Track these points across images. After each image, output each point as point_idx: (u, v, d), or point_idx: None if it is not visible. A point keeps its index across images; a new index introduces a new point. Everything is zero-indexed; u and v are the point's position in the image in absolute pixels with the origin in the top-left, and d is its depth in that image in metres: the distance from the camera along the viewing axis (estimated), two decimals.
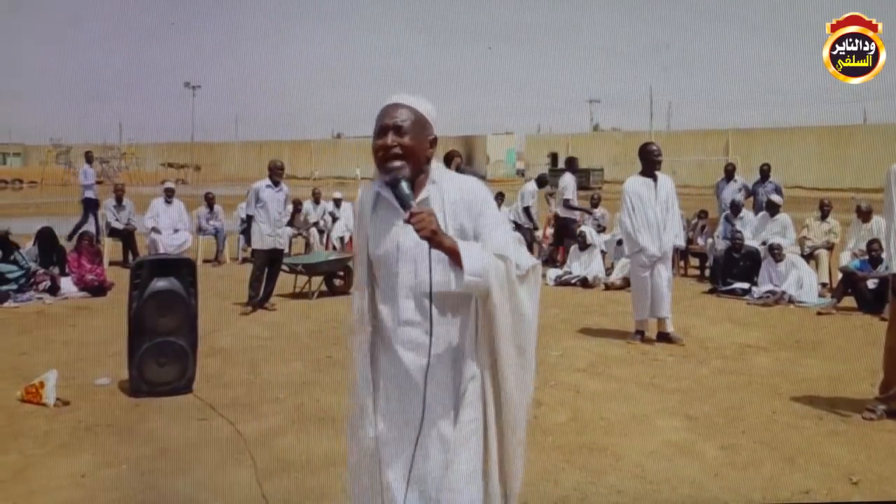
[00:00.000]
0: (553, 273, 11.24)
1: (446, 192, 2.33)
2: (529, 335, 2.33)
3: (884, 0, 6.65)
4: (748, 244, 10.58)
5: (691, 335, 7.70)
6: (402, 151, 2.26)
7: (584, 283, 10.94)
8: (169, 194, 12.71)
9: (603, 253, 11.61)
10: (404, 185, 2.22)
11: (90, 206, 14.65)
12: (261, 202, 9.08)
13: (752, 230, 11.12)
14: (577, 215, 12.10)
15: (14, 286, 9.35)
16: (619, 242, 11.11)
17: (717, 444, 4.77)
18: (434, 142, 2.36)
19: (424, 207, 2.19)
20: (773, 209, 11.05)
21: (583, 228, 11.69)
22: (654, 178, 7.39)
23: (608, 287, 10.72)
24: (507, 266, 2.21)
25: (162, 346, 5.63)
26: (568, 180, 12.02)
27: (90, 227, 13.76)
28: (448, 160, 8.73)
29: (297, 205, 13.25)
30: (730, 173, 12.73)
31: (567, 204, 11.94)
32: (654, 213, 7.33)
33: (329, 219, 14.43)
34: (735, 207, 11.62)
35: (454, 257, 2.16)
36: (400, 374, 2.34)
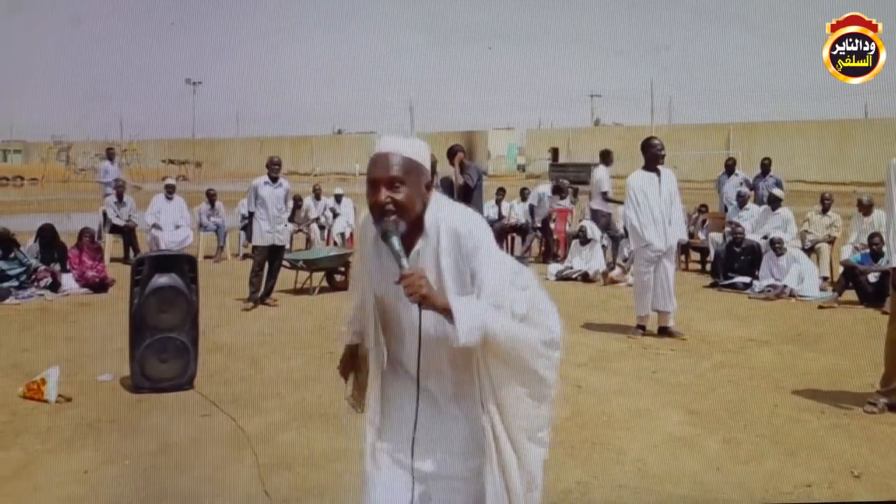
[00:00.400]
0: (554, 268, 11.25)
1: (441, 238, 2.25)
2: (534, 377, 2.32)
3: (884, 0, 6.64)
4: (749, 238, 10.57)
5: (692, 330, 7.69)
6: (396, 207, 2.19)
7: (585, 277, 10.93)
8: (170, 191, 12.71)
9: (604, 247, 11.60)
10: (395, 241, 2.16)
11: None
12: (260, 199, 9.08)
13: (753, 224, 11.11)
14: (611, 208, 12.00)
15: (15, 283, 9.35)
16: (621, 237, 11.13)
17: (719, 439, 4.78)
18: (430, 185, 2.29)
19: (415, 269, 2.13)
20: (774, 203, 11.03)
21: (584, 223, 11.68)
22: (658, 173, 7.38)
23: (609, 281, 10.73)
24: (501, 317, 2.19)
25: (163, 342, 5.63)
26: (602, 173, 11.91)
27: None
28: (451, 155, 8.72)
29: (298, 201, 13.24)
30: (730, 168, 12.73)
31: (605, 197, 11.85)
32: (658, 208, 7.33)
33: (330, 215, 14.42)
34: (741, 199, 11.63)
35: (447, 317, 2.13)
36: (395, 399, 2.39)
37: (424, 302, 2.11)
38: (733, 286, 10.15)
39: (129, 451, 4.53)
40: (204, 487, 4.07)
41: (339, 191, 14.96)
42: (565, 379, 5.96)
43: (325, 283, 10.27)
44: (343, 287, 10.04)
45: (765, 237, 10.48)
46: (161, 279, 5.67)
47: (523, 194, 13.74)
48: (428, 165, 2.29)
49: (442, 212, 2.27)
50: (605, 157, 12.16)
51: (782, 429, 4.97)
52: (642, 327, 7.59)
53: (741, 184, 12.26)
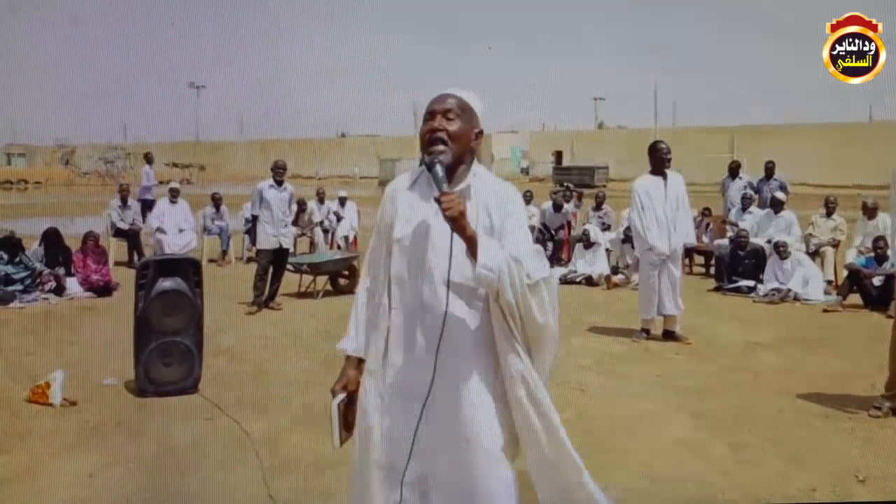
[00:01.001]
0: (557, 271, 11.23)
1: (482, 187, 2.39)
2: (540, 340, 2.37)
3: (884, 0, 6.57)
4: (753, 241, 10.56)
5: (697, 333, 7.68)
6: (447, 136, 2.33)
7: (589, 281, 10.93)
8: (174, 194, 12.70)
9: (608, 251, 11.59)
10: (439, 169, 2.27)
11: (147, 207, 14.09)
12: (265, 202, 9.10)
13: (756, 227, 11.09)
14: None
15: (20, 287, 9.37)
16: (625, 240, 11.12)
17: (724, 442, 4.77)
18: (480, 134, 2.43)
19: (455, 193, 2.24)
20: (776, 206, 11.01)
21: (587, 226, 11.68)
22: (664, 177, 7.38)
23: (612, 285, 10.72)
24: (518, 270, 2.26)
25: (168, 345, 5.63)
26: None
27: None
28: None
29: (302, 204, 13.25)
30: (734, 170, 12.70)
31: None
32: (663, 212, 7.32)
33: (334, 218, 14.40)
34: (746, 202, 11.61)
35: (472, 247, 2.23)
36: (410, 351, 2.37)
37: (458, 221, 2.19)
38: (738, 290, 10.14)
39: (133, 455, 4.53)
40: (208, 491, 4.07)
41: (342, 193, 14.93)
42: (569, 382, 5.99)
43: (329, 287, 10.27)
44: (347, 290, 10.03)
45: (769, 241, 10.46)
46: (165, 283, 5.68)
47: (526, 197, 13.66)
48: (480, 117, 2.43)
49: (484, 173, 2.43)
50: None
51: (787, 432, 4.97)
52: (647, 331, 7.58)
53: (745, 187, 12.23)
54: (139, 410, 5.39)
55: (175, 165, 47.70)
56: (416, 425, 2.30)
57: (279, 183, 9.20)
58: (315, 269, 10.10)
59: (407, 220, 2.37)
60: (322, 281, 10.20)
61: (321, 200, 14.49)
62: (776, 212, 10.96)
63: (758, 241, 10.66)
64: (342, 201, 14.66)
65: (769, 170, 12.33)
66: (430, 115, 2.36)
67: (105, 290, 9.88)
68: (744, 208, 11.62)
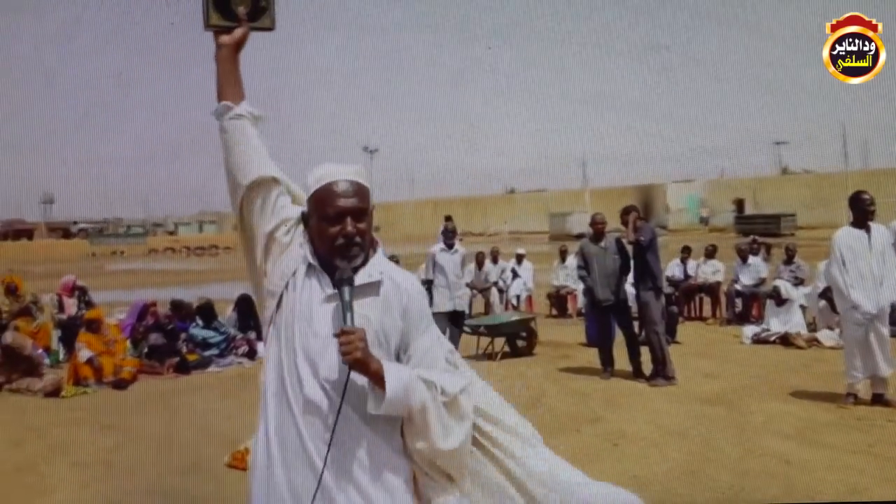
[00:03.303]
0: (749, 330, 10.63)
1: (387, 282, 2.15)
2: (451, 462, 2.14)
3: (884, 0, 6.41)
4: None
5: None
6: (362, 240, 2.11)
7: (784, 340, 10.23)
8: None
9: (803, 308, 10.84)
10: (346, 291, 2.04)
11: None
12: (438, 266, 9.27)
13: None
14: None
15: (216, 351, 9.92)
16: (822, 294, 10.37)
17: None
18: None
19: (357, 328, 2.00)
20: None
21: (777, 282, 11.01)
22: (867, 229, 6.90)
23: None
24: (431, 393, 2.06)
25: None
26: None
27: None
28: (625, 214, 8.53)
29: (480, 260, 13.35)
30: None
31: None
32: (867, 267, 6.82)
33: (509, 276, 14.32)
34: None
35: (377, 382, 2.02)
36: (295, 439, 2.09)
37: (355, 366, 1.99)
38: None
39: None
40: None
41: (521, 251, 14.82)
42: (771, 453, 5.59)
43: (506, 349, 10.20)
44: (526, 353, 9.95)
45: None
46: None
47: (708, 251, 13.10)
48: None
49: (383, 262, 2.19)
50: None
51: None
52: (854, 395, 7.02)
53: None
54: None
55: None
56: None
57: (450, 246, 9.33)
58: (493, 330, 10.07)
59: (303, 299, 2.13)
60: (500, 342, 10.14)
61: (495, 260, 14.49)
62: None
63: None
64: (519, 259, 14.50)
65: None
66: (340, 214, 2.09)
67: None
68: None
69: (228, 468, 5.64)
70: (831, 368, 8.02)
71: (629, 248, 8.59)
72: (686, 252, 13.11)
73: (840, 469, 5.32)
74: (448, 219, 9.89)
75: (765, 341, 10.34)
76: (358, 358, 1.98)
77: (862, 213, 6.94)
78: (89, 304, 10.90)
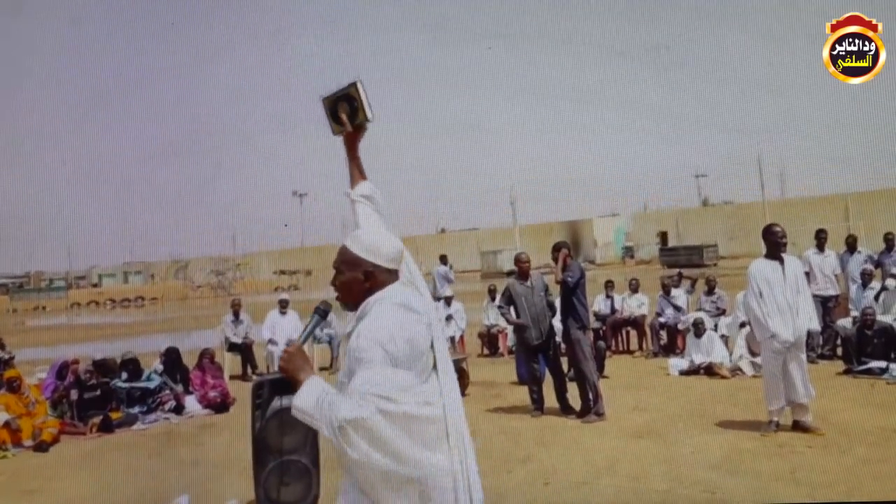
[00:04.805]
0: (675, 362, 10.84)
1: (352, 336, 2.59)
2: (368, 478, 2.53)
3: (884, 0, 6.52)
4: (881, 319, 9.94)
5: (830, 421, 7.24)
6: (336, 290, 2.71)
7: (709, 370, 10.45)
8: (283, 305, 12.98)
9: (724, 337, 11.10)
10: (310, 319, 2.69)
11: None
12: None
13: (882, 305, 10.45)
14: None
15: (143, 407, 9.61)
16: (742, 325, 10.65)
17: None
18: (369, 275, 2.63)
19: (295, 346, 2.62)
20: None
21: (697, 315, 11.28)
22: (781, 261, 7.12)
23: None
24: (330, 412, 2.47)
25: (285, 465, 5.59)
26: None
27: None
28: (555, 251, 8.62)
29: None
30: (852, 245, 12.07)
31: None
32: (783, 297, 7.03)
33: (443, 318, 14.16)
34: (866, 278, 11.01)
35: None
36: None
37: (287, 372, 2.57)
38: (869, 371, 9.51)
39: None
40: None
41: (448, 293, 14.65)
42: (699, 483, 5.67)
43: None
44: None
45: None
46: (280, 402, 5.69)
47: (631, 286, 13.27)
48: (366, 255, 2.63)
49: (374, 310, 2.60)
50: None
51: None
52: (776, 422, 7.18)
53: (865, 261, 11.60)
54: None
55: (283, 272, 49.19)
56: None
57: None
58: None
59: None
60: None
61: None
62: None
63: (886, 318, 10.04)
64: (448, 301, 14.09)
65: (889, 241, 11.65)
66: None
67: (223, 406, 10.03)
68: (864, 284, 10.99)
69: None
70: (754, 396, 8.18)
71: (556, 287, 8.68)
72: (609, 286, 13.25)
73: (764, 496, 5.43)
74: None
75: (691, 372, 10.55)
76: (281, 366, 2.58)
77: (774, 245, 7.12)
78: (7, 363, 10.48)
